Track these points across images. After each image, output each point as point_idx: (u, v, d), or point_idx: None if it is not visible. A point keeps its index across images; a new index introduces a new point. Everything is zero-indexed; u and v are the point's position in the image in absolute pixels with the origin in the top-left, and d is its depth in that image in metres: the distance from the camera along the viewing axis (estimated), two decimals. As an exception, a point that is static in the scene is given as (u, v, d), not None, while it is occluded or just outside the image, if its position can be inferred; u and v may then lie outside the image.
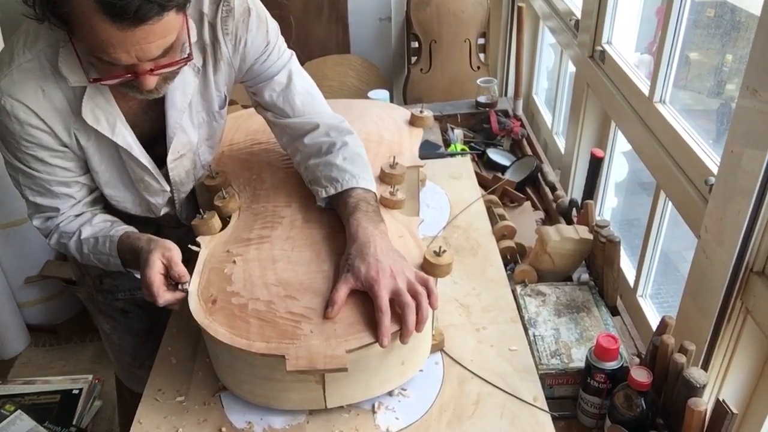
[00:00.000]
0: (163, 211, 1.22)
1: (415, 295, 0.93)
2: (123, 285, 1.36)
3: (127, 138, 1.06)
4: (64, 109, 1.01)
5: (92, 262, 1.13)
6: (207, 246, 1.08)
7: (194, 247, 1.08)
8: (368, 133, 1.31)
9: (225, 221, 1.14)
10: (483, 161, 2.12)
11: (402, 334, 0.91)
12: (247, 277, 0.99)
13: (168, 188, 1.17)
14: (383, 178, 1.20)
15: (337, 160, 1.11)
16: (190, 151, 1.16)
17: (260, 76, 1.14)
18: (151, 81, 0.91)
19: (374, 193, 1.11)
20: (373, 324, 0.91)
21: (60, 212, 1.11)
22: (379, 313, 0.90)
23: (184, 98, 1.08)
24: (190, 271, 1.02)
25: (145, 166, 1.11)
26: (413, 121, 1.39)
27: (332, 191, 1.09)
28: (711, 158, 1.19)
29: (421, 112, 1.40)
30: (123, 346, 1.46)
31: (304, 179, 1.17)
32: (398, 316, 0.91)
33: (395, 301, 0.92)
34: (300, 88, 1.16)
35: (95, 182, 1.12)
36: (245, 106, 3.26)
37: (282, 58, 1.14)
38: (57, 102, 1.00)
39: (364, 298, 0.94)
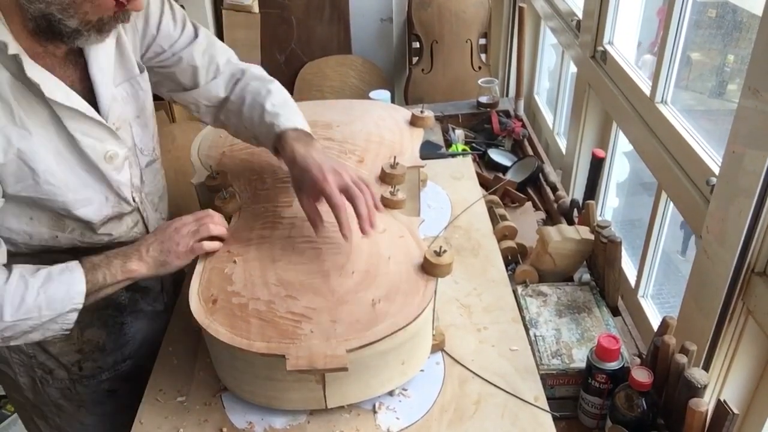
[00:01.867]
0: (129, 206, 1.12)
1: (361, 190, 0.98)
2: (106, 363, 1.23)
3: (81, 101, 0.97)
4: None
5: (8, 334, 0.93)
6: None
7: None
8: (369, 134, 1.31)
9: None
10: (484, 161, 2.12)
11: (361, 226, 0.96)
12: (247, 277, 0.99)
13: (127, 147, 1.07)
14: (384, 178, 1.20)
15: (267, 107, 1.11)
16: (126, 123, 1.08)
17: (177, 43, 1.12)
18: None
19: (307, 132, 1.11)
20: (374, 323, 0.91)
21: None
22: (336, 210, 0.95)
23: (108, 58, 1.02)
24: (191, 271, 1.03)
25: (103, 124, 1.00)
26: (414, 122, 1.38)
27: (272, 136, 1.09)
28: (712, 158, 1.19)
29: (422, 112, 1.39)
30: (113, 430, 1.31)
31: (249, 140, 1.18)
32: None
33: (345, 196, 0.97)
34: (220, 44, 1.16)
35: (54, 196, 0.98)
36: (246, 107, 3.23)
37: (187, 21, 1.13)
38: (3, 89, 0.88)
39: (365, 298, 0.94)
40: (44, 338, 0.98)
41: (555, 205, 1.77)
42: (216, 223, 1.06)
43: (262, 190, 1.19)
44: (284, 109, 1.12)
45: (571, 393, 1.17)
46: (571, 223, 1.65)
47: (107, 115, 1.02)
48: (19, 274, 0.94)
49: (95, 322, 1.18)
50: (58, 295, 0.94)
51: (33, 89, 0.92)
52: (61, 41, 0.93)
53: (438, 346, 1.07)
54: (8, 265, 0.96)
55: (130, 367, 1.25)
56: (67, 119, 0.96)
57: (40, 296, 0.93)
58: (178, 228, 1.03)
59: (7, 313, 0.91)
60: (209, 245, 1.04)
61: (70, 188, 0.99)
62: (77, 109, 0.96)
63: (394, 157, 1.22)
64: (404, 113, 1.43)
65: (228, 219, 1.14)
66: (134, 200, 1.13)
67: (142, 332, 1.27)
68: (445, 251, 0.99)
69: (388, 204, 1.15)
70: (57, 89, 0.93)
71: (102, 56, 1.02)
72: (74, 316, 0.97)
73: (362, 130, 1.31)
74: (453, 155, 1.98)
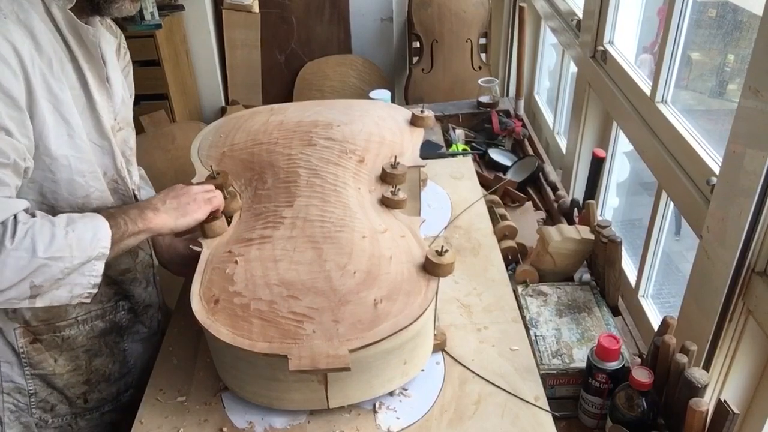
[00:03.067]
0: (128, 190, 1.16)
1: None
2: (110, 393, 1.23)
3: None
4: (53, 50, 0.95)
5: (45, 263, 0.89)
6: (209, 246, 1.08)
7: (196, 248, 1.09)
8: (370, 134, 1.31)
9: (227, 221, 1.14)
10: (484, 161, 2.12)
11: None
12: (249, 277, 0.99)
13: (128, 147, 1.15)
14: (385, 178, 1.20)
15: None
16: (127, 125, 1.14)
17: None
18: None
19: None
20: (376, 323, 0.91)
21: None
22: None
23: (113, 63, 1.08)
24: (192, 272, 1.03)
25: (112, 99, 1.07)
26: (414, 121, 1.39)
27: None
28: (713, 158, 1.19)
29: (422, 111, 1.39)
30: None
31: None
32: None
33: None
34: None
35: (85, 153, 1.01)
36: (247, 106, 3.28)
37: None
38: (45, 43, 0.93)
39: (367, 298, 0.94)
40: (71, 299, 0.95)
41: (555, 205, 1.77)
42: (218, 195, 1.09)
43: (262, 190, 1.19)
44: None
45: (572, 393, 1.17)
46: (571, 222, 1.65)
47: (117, 108, 1.08)
48: (41, 215, 0.93)
49: (103, 350, 1.19)
50: (86, 235, 0.93)
51: (67, 49, 0.97)
52: (98, 13, 0.99)
53: (439, 346, 1.08)
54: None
55: (132, 397, 1.24)
56: (92, 84, 1.01)
57: (69, 234, 0.91)
58: (185, 186, 1.06)
59: (39, 248, 0.88)
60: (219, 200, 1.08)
61: (90, 153, 1.02)
62: (103, 72, 1.03)
63: (395, 157, 1.22)
64: (404, 113, 1.43)
65: (229, 219, 1.14)
66: (134, 194, 1.17)
67: (141, 359, 1.27)
68: (446, 251, 0.99)
69: (389, 204, 1.15)
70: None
71: (110, 55, 1.07)
72: (101, 266, 0.95)
73: (363, 130, 1.31)
74: (453, 155, 1.98)
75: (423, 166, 1.29)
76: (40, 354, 1.10)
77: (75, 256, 0.92)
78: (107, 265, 0.97)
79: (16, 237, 0.87)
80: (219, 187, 1.17)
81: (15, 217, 0.90)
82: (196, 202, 1.04)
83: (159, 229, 1.02)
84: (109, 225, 0.96)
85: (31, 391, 1.12)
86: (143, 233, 1.01)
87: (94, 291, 0.97)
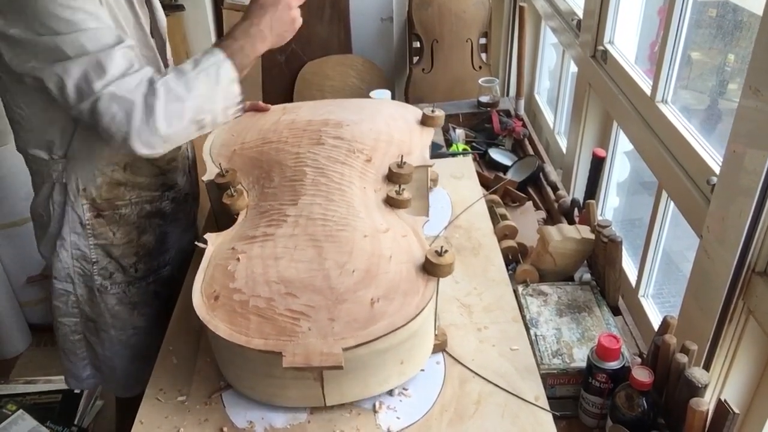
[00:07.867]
0: None
1: None
2: (152, 266, 1.43)
3: None
4: None
5: (192, 99, 1.06)
6: (213, 243, 1.09)
7: (201, 245, 1.09)
8: (379, 132, 1.31)
9: (234, 219, 1.15)
10: (485, 161, 2.13)
11: None
12: (249, 274, 1.00)
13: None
14: (391, 177, 1.20)
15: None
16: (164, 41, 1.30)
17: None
18: None
19: None
20: (371, 323, 0.91)
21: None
22: None
23: None
24: (195, 268, 1.03)
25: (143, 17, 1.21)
26: (425, 121, 1.38)
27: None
28: (713, 158, 1.19)
29: (432, 111, 1.40)
30: (148, 341, 1.45)
31: None
32: None
33: None
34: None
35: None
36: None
37: None
38: None
39: (364, 297, 0.94)
40: (226, 112, 1.12)
41: (555, 205, 1.77)
42: None
43: (269, 188, 1.19)
44: None
45: (572, 392, 1.17)
46: (571, 222, 1.65)
47: (160, 25, 1.28)
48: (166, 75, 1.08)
49: (148, 229, 1.38)
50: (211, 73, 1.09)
51: None
52: None
53: (440, 347, 1.07)
54: None
55: (169, 273, 1.46)
56: (136, 3, 1.18)
57: (200, 75, 1.08)
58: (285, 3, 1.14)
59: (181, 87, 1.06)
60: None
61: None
62: None
63: (401, 156, 1.22)
64: (416, 112, 1.43)
65: (235, 216, 1.15)
66: None
67: (178, 242, 1.47)
68: (446, 251, 0.99)
69: (393, 203, 1.15)
70: None
71: None
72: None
73: (372, 129, 1.31)
74: (453, 155, 1.98)
75: (431, 166, 1.28)
76: (102, 227, 1.29)
77: (215, 96, 1.09)
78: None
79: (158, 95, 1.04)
80: (227, 185, 1.18)
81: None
82: (293, 18, 1.15)
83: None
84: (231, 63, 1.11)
85: (94, 259, 1.31)
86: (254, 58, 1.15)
87: (240, 105, 1.14)
